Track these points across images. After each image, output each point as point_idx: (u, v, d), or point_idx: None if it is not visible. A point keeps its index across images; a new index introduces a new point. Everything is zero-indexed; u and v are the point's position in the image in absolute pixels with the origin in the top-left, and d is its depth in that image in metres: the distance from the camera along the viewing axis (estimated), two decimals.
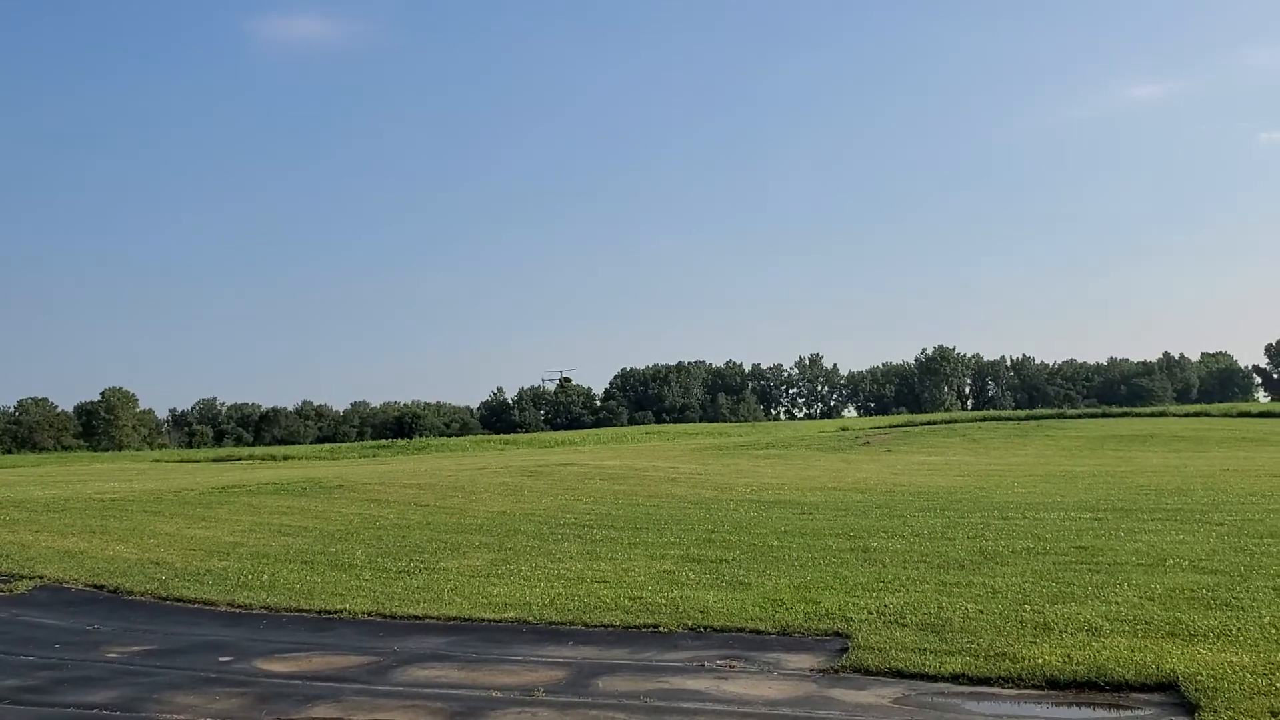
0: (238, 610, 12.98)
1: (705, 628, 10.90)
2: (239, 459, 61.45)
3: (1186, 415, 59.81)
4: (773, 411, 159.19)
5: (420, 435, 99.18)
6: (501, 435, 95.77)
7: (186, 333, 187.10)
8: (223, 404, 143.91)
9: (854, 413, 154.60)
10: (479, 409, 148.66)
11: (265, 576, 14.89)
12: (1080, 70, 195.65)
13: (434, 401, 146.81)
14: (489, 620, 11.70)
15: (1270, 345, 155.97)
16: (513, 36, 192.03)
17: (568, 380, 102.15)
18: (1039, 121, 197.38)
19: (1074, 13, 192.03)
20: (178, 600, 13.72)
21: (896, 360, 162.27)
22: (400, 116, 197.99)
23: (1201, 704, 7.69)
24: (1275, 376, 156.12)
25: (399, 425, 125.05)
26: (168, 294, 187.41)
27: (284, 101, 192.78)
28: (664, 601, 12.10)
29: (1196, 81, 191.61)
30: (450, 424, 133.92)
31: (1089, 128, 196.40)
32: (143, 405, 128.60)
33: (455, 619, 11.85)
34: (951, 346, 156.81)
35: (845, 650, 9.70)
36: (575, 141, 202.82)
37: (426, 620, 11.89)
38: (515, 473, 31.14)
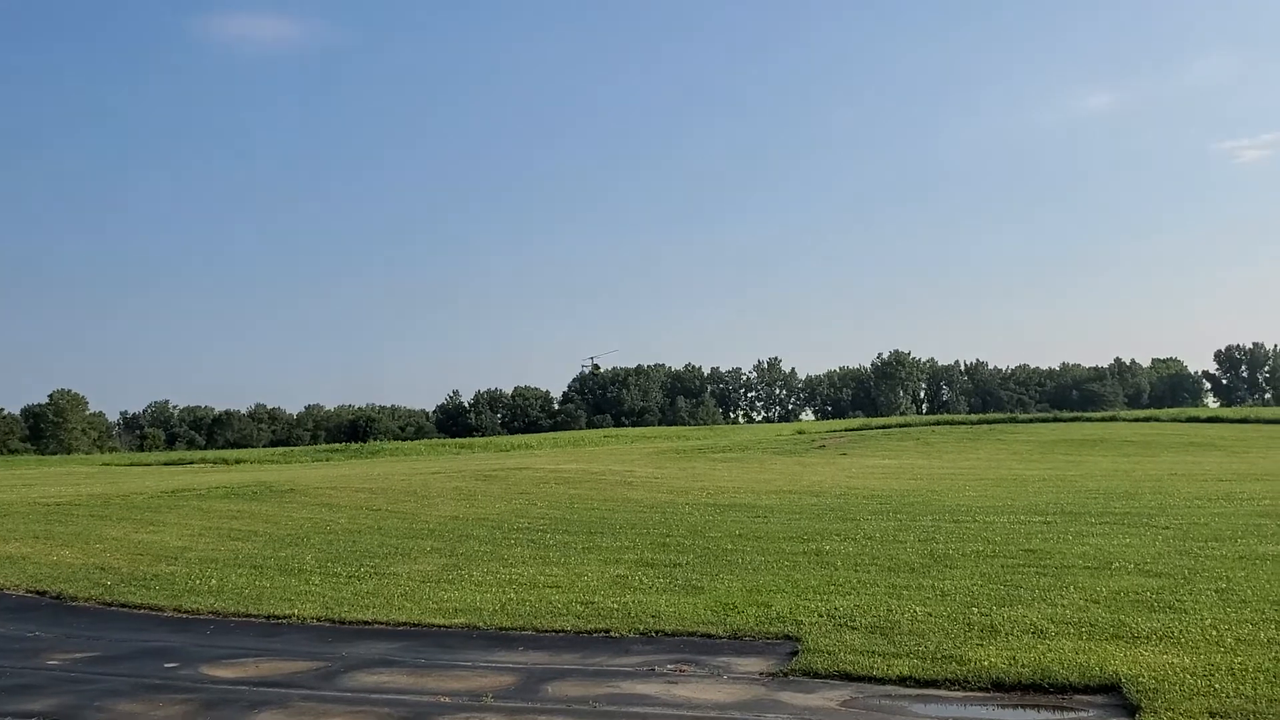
0: (185, 616, 12.80)
1: (657, 632, 10.91)
2: (190, 462, 60.56)
3: (1136, 420, 60.89)
4: (731, 415, 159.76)
5: (374, 439, 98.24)
6: (457, 439, 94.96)
7: (138, 335, 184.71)
8: (175, 407, 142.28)
9: (811, 416, 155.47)
10: (434, 412, 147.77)
11: (213, 581, 14.69)
12: (1034, 79, 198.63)
13: (389, 405, 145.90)
14: (439, 626, 11.62)
15: (1220, 352, 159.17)
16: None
17: (598, 368, 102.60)
18: (994, 129, 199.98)
19: (1028, 22, 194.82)
20: (123, 606, 13.50)
21: (853, 364, 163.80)
22: (361, 115, 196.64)
23: (1143, 705, 7.80)
24: (1224, 382, 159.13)
25: (353, 429, 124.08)
26: (119, 295, 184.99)
27: (247, 100, 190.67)
28: (616, 606, 12.08)
29: (1148, 91, 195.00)
30: (405, 427, 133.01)
31: (1043, 136, 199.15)
32: (93, 408, 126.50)
33: (405, 624, 11.77)
34: (907, 351, 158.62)
35: (795, 653, 9.75)
36: (538, 145, 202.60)
37: (376, 625, 11.80)
38: (469, 477, 30.95)
